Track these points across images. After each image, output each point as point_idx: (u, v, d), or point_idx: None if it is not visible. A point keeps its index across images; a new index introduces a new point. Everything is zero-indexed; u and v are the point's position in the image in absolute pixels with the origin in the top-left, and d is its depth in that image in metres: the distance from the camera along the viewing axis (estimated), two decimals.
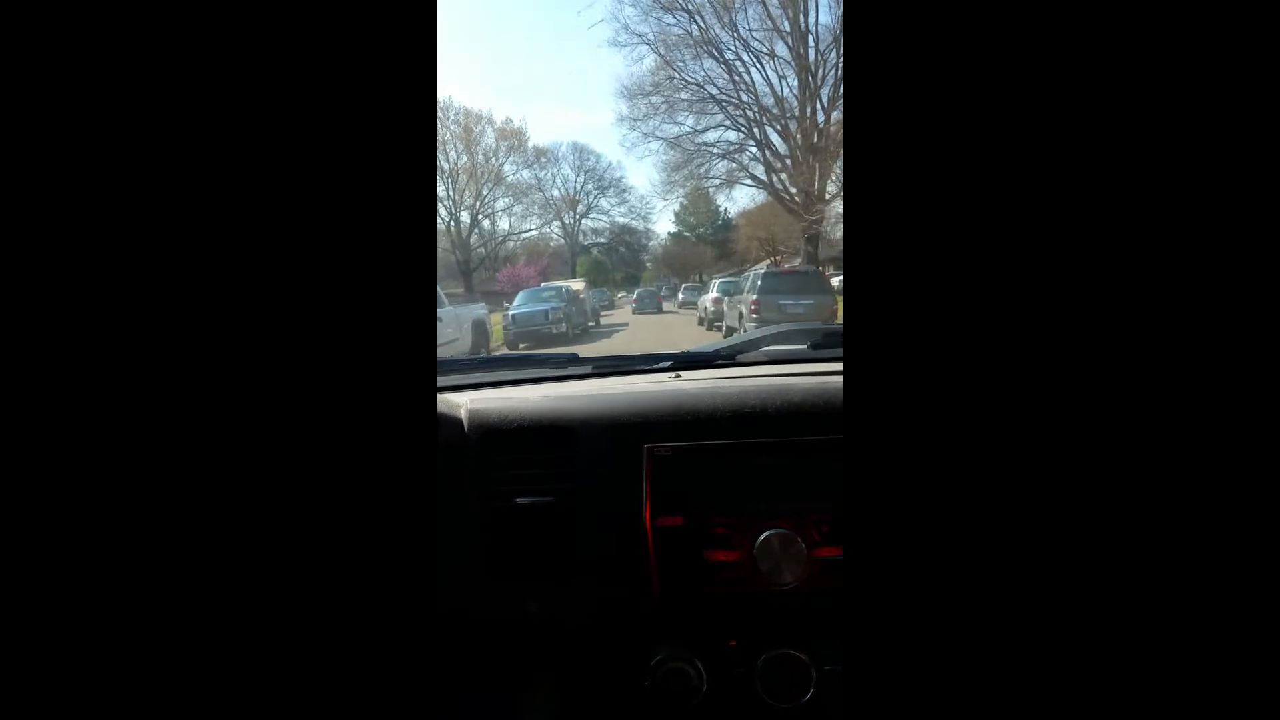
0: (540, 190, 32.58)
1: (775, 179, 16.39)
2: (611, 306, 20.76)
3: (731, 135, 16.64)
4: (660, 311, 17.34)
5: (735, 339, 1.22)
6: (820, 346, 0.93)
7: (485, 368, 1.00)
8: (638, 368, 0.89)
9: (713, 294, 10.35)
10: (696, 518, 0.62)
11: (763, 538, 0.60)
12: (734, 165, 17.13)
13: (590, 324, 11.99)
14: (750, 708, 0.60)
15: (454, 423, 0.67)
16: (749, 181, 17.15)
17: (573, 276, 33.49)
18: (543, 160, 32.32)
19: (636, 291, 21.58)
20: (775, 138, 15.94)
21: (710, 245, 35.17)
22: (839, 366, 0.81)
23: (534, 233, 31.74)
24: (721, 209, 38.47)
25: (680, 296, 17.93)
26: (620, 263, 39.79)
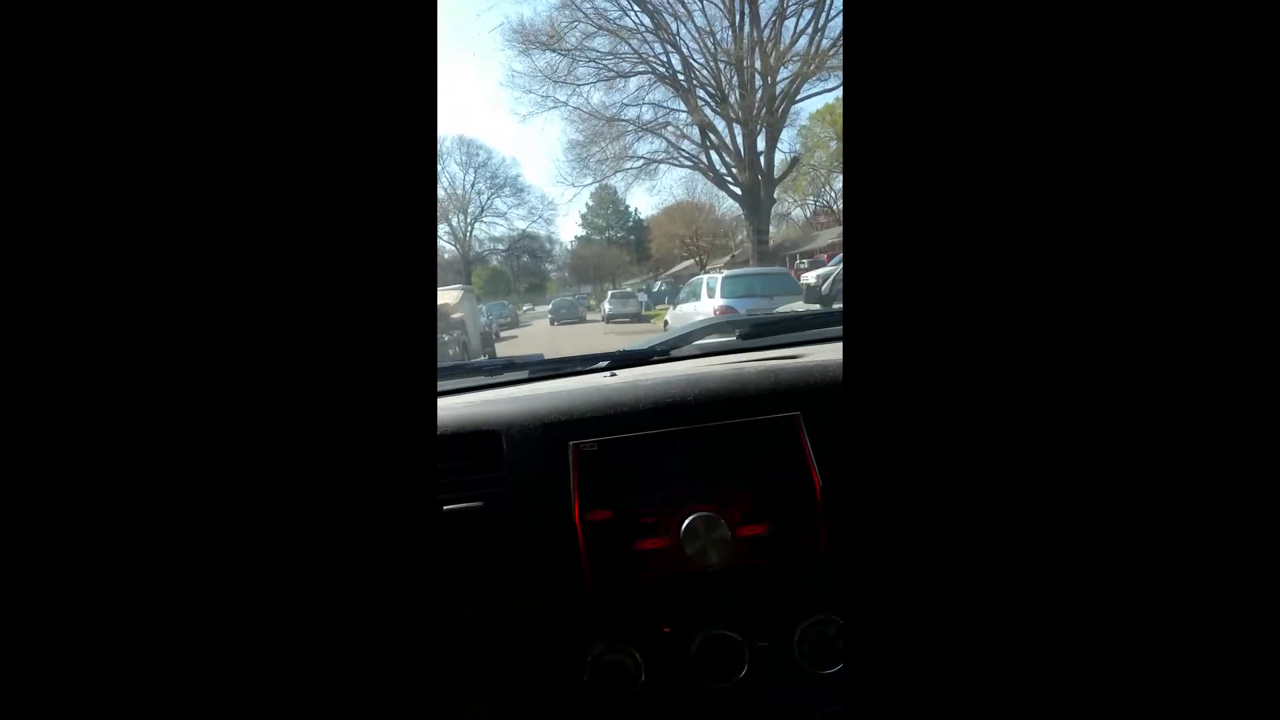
0: None
1: (713, 157, 13.22)
2: (516, 323, 16.63)
3: (654, 102, 13.26)
4: (583, 321, 15.21)
5: (669, 334, 1.09)
6: (748, 335, 0.97)
7: None
8: (576, 369, 0.89)
9: (697, 300, 7.24)
10: (624, 509, 0.63)
11: (687, 521, 0.61)
12: (660, 143, 13.75)
13: (483, 352, 8.43)
14: (688, 691, 0.62)
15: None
16: (683, 160, 13.86)
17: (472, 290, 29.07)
18: None
19: (553, 301, 19.00)
20: (710, 112, 12.81)
21: (622, 248, 31.92)
22: (765, 355, 0.86)
23: None
24: (631, 209, 35.64)
25: (608, 307, 14.32)
26: (524, 272, 35.47)
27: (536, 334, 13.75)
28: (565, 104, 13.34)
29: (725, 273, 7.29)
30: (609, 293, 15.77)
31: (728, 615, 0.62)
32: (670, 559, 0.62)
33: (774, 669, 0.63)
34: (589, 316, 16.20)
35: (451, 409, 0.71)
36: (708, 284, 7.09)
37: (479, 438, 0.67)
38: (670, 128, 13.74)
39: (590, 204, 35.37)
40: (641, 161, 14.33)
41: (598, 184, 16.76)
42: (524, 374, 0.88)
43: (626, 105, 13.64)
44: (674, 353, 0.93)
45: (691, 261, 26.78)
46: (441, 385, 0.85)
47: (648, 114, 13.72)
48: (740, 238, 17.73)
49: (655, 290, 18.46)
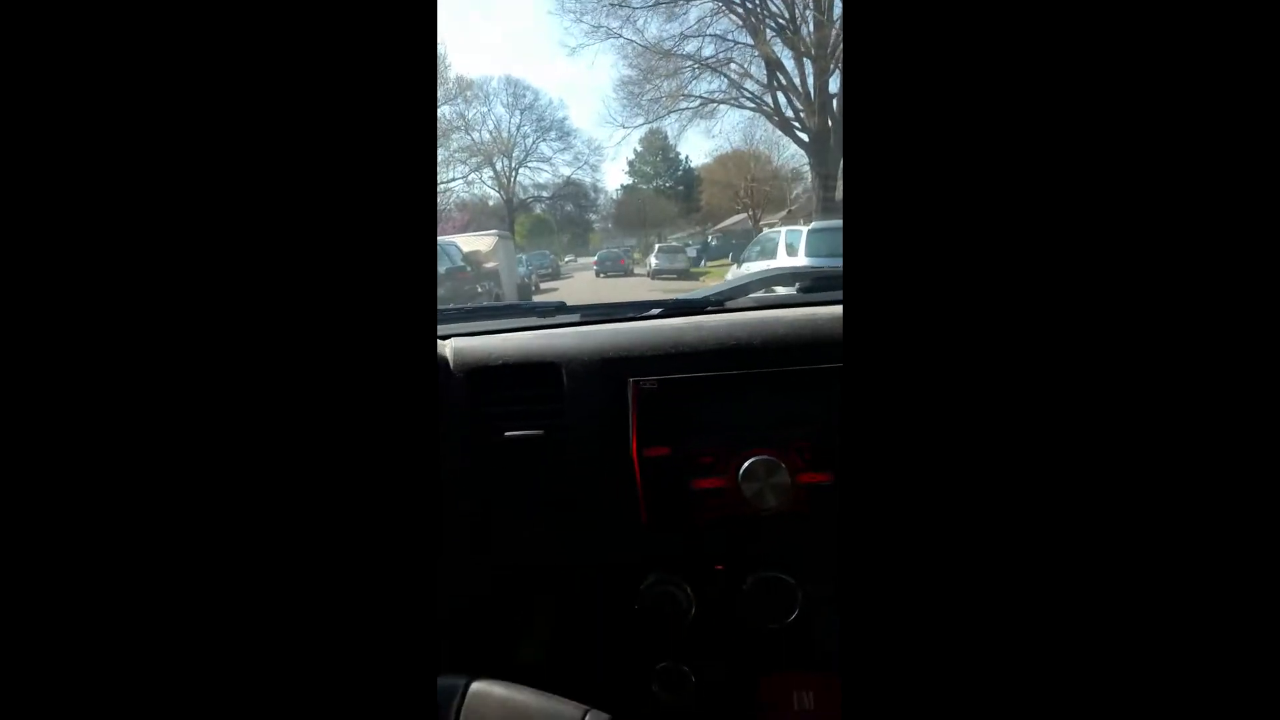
0: (466, 131, 26.63)
1: (779, 99, 11.92)
2: (557, 275, 15.89)
3: (717, 34, 11.95)
4: (628, 274, 14.20)
5: (722, 285, 1.07)
6: (811, 290, 0.93)
7: (470, 317, 0.93)
8: (628, 315, 0.87)
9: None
10: (682, 448, 0.63)
11: (747, 464, 0.61)
12: (720, 81, 12.48)
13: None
14: (738, 628, 0.63)
15: (439, 363, 0.68)
16: (745, 102, 12.59)
17: (510, 237, 28.54)
18: (467, 95, 26.44)
19: (598, 253, 17.20)
20: (780, 47, 11.44)
21: (670, 198, 30.52)
22: (830, 307, 0.82)
23: (458, 183, 26.07)
24: (682, 156, 33.88)
25: (654, 261, 13.16)
26: (567, 221, 34.57)
27: (578, 286, 13.04)
28: (618, 34, 12.18)
29: (813, 224, 6.20)
30: (655, 246, 14.62)
31: (783, 559, 0.62)
32: (727, 499, 0.62)
33: (828, 614, 0.63)
34: (635, 270, 15.27)
35: (511, 341, 0.72)
36: (787, 238, 6.07)
37: (540, 369, 0.67)
38: (733, 64, 12.44)
39: (639, 149, 33.88)
40: (699, 102, 13.12)
41: (649, 125, 15.56)
42: (576, 316, 0.87)
43: (686, 37, 12.37)
44: (729, 304, 0.91)
45: (744, 215, 25.41)
46: (495, 324, 0.86)
47: (709, 48, 12.44)
48: (797, 191, 16.37)
49: (710, 244, 17.32)
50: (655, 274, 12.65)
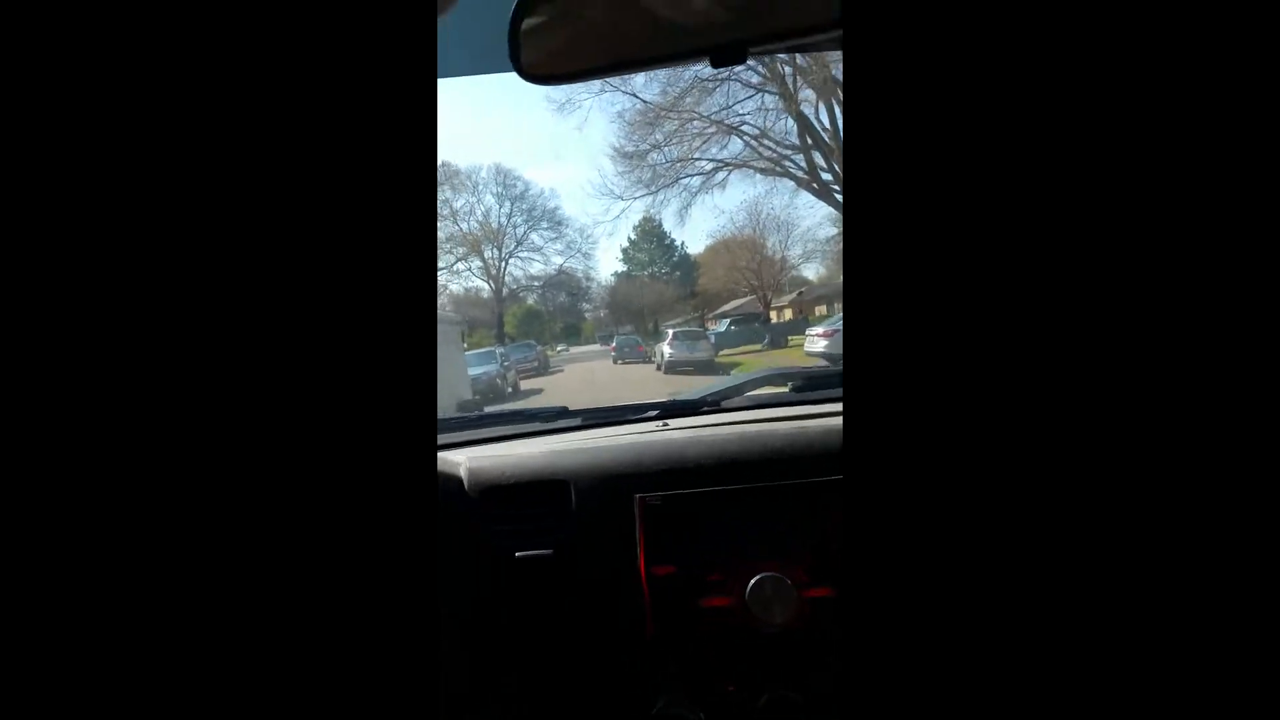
0: (454, 221, 25.12)
1: (813, 158, 9.88)
2: (544, 368, 13.19)
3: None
4: (646, 361, 12.75)
5: (719, 384, 1.12)
6: (802, 390, 0.95)
7: (477, 425, 0.99)
8: (627, 417, 0.89)
9: None
10: (689, 565, 0.63)
11: (754, 581, 0.61)
12: (735, 146, 10.53)
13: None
14: None
15: (454, 480, 0.69)
16: (769, 164, 10.54)
17: (499, 328, 26.41)
18: (455, 183, 25.17)
19: (617, 338, 16.83)
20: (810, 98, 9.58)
21: (666, 284, 28.72)
22: (819, 409, 0.85)
23: (443, 273, 24.16)
24: (678, 242, 32.65)
25: (668, 352, 10.44)
26: (560, 311, 32.68)
27: (568, 385, 10.29)
28: (615, 87, 10.36)
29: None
30: (669, 331, 11.93)
31: (790, 674, 0.62)
32: (735, 617, 0.61)
33: None
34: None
35: (523, 458, 0.72)
36: None
37: (549, 487, 0.68)
38: (747, 125, 10.55)
39: (633, 238, 32.74)
40: (711, 166, 11.11)
41: (652, 194, 13.57)
42: (577, 421, 0.88)
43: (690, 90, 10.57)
44: (725, 404, 0.91)
45: (750, 297, 23.47)
46: (501, 431, 0.87)
47: (717, 108, 10.60)
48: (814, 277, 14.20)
49: (724, 331, 14.74)
50: (670, 367, 10.02)
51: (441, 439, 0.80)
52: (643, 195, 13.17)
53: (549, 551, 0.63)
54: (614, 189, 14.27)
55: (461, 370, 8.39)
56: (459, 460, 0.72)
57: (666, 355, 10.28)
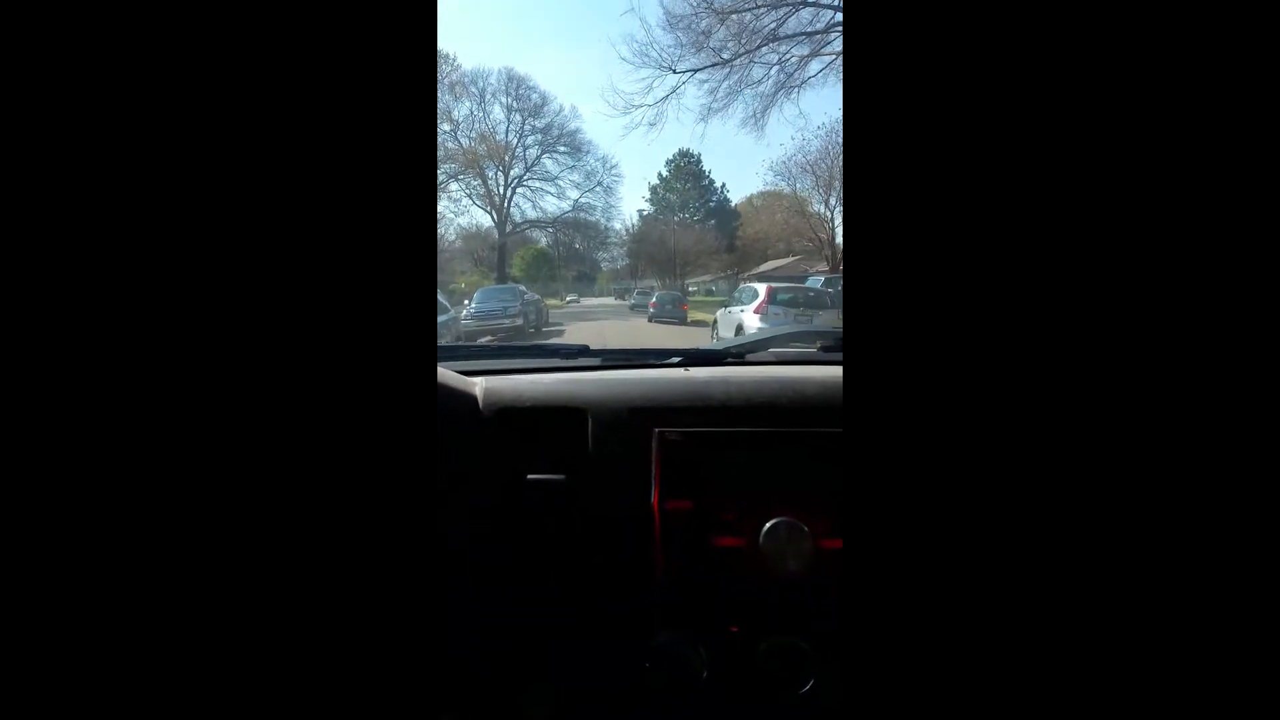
0: (454, 136, 21.09)
1: None
2: (540, 323, 9.70)
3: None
4: (684, 323, 11.04)
5: (743, 339, 1.08)
6: (831, 349, 0.93)
7: (498, 355, 0.97)
8: (649, 362, 0.86)
9: None
10: (705, 503, 0.63)
11: (769, 525, 0.61)
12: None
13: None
14: (750, 694, 0.63)
15: (469, 400, 0.68)
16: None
17: (502, 270, 22.76)
18: (456, 90, 21.07)
19: (656, 294, 13.84)
20: None
21: (700, 234, 24.79)
22: None
23: (442, 200, 20.40)
24: (718, 185, 28.49)
25: (748, 322, 6.43)
26: (573, 257, 28.90)
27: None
28: None
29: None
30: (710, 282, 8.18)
31: (799, 623, 0.62)
32: (747, 560, 0.61)
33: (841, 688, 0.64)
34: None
35: (539, 382, 0.72)
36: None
37: (566, 413, 0.68)
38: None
39: (664, 174, 28.62)
40: (795, 59, 7.34)
41: (711, 67, 9.56)
42: (597, 361, 0.86)
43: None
44: (750, 357, 0.89)
45: (793, 259, 19.76)
46: (521, 364, 0.86)
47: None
48: None
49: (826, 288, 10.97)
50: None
51: (463, 365, 0.77)
52: (704, 66, 9.26)
53: (562, 477, 0.62)
54: (658, 56, 10.23)
55: None
56: (475, 381, 0.70)
57: (745, 326, 6.60)
